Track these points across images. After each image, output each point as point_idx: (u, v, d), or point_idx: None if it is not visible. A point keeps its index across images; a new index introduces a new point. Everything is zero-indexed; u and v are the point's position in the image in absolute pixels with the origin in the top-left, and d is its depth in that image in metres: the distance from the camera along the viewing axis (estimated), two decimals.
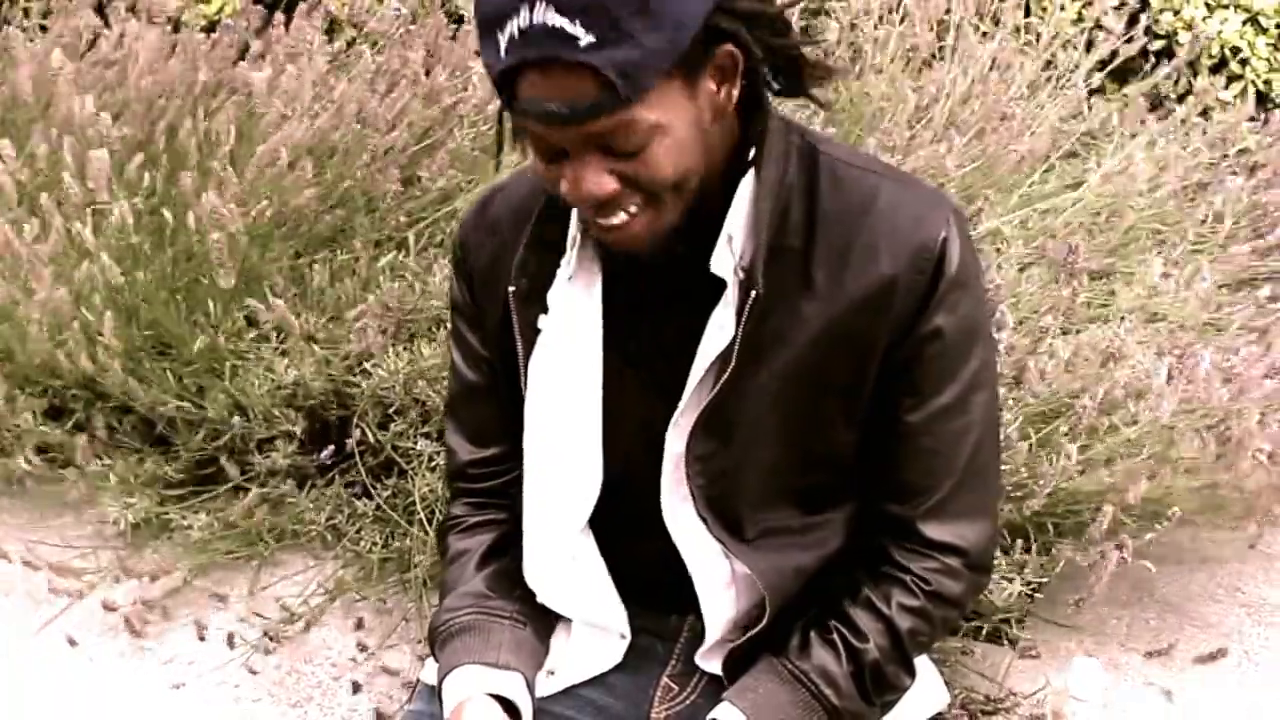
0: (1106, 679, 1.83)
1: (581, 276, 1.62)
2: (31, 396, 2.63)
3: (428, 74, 2.97)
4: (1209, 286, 2.83)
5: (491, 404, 1.74)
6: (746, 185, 1.54)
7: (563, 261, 1.61)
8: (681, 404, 1.59)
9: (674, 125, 1.44)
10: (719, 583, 1.69)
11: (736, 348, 1.54)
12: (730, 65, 1.45)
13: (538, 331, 1.64)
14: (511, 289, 1.64)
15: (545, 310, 1.63)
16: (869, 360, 1.57)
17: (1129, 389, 2.37)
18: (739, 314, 1.54)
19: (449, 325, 1.82)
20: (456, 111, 2.93)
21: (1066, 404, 2.40)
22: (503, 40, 1.38)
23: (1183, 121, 3.39)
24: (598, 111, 1.39)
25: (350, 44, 3.14)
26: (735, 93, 1.48)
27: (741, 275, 1.54)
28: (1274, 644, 2.41)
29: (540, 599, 1.75)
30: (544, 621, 1.78)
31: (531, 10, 1.35)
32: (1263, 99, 3.73)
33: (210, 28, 3.23)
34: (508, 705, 1.66)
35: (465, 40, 3.15)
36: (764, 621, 1.65)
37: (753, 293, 1.53)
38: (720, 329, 1.56)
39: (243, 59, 2.96)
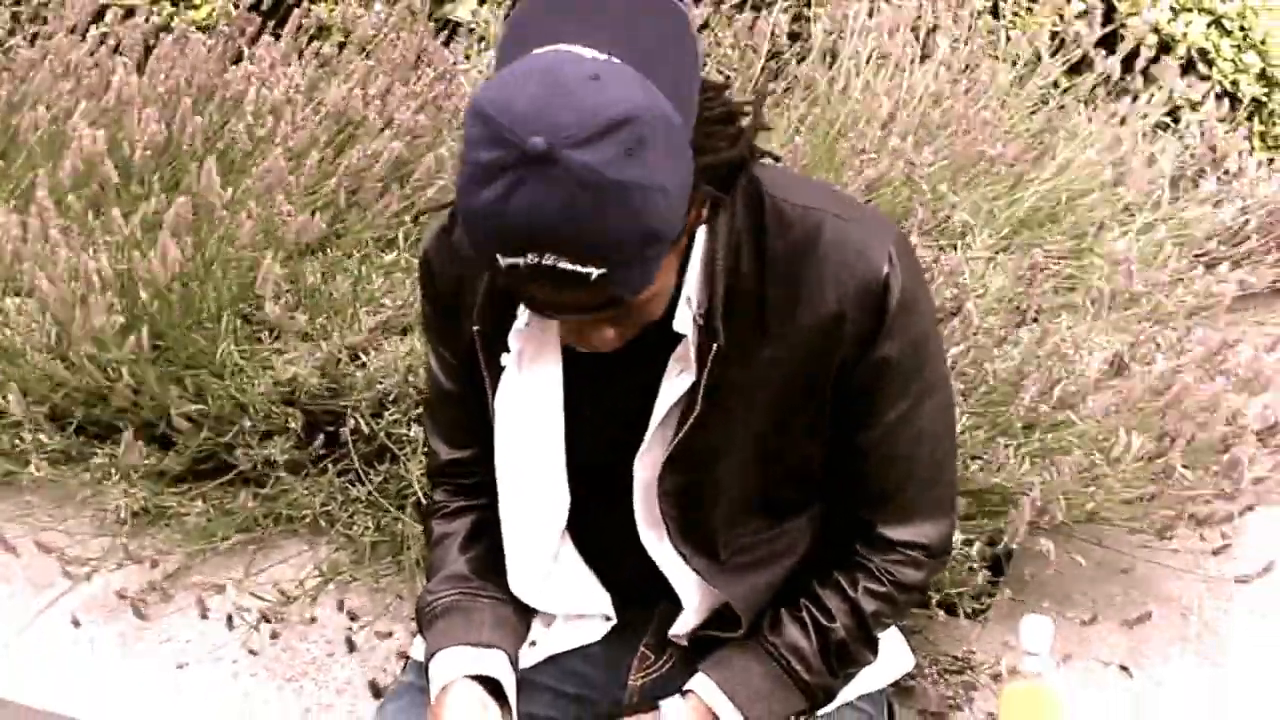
0: (1054, 633, 1.92)
1: (539, 323, 1.67)
2: (35, 404, 2.71)
3: (416, 76, 3.07)
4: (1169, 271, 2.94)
5: (466, 410, 1.80)
6: (699, 244, 1.61)
7: (520, 312, 1.67)
8: (645, 443, 1.69)
9: (667, 279, 1.51)
10: (694, 589, 1.79)
11: (700, 392, 1.63)
12: (701, 200, 1.51)
13: (502, 368, 1.71)
14: (476, 327, 1.70)
15: (507, 349, 1.70)
16: (824, 385, 1.66)
17: (1070, 388, 2.44)
18: (699, 361, 1.63)
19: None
20: (444, 112, 3.03)
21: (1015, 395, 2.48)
22: (504, 262, 1.39)
23: (1145, 118, 3.49)
24: (604, 310, 1.45)
25: (341, 47, 3.23)
26: (704, 211, 1.55)
27: (700, 323, 1.62)
28: (1234, 617, 2.50)
29: (528, 603, 1.84)
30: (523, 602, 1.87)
31: (540, 257, 1.36)
32: (1228, 98, 3.83)
33: (205, 28, 3.32)
34: (492, 682, 1.75)
35: (453, 45, 3.26)
36: (740, 631, 1.76)
37: (714, 344, 1.61)
38: (680, 374, 1.65)
39: (235, 64, 3.06)
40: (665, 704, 1.74)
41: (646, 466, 1.70)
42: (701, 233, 1.60)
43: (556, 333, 1.68)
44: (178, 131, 2.87)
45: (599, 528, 1.78)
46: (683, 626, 1.82)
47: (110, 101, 2.98)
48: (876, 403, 1.67)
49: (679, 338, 1.62)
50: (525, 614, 1.86)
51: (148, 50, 3.17)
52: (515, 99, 1.34)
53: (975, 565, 2.37)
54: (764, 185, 1.64)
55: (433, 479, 1.92)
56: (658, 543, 1.75)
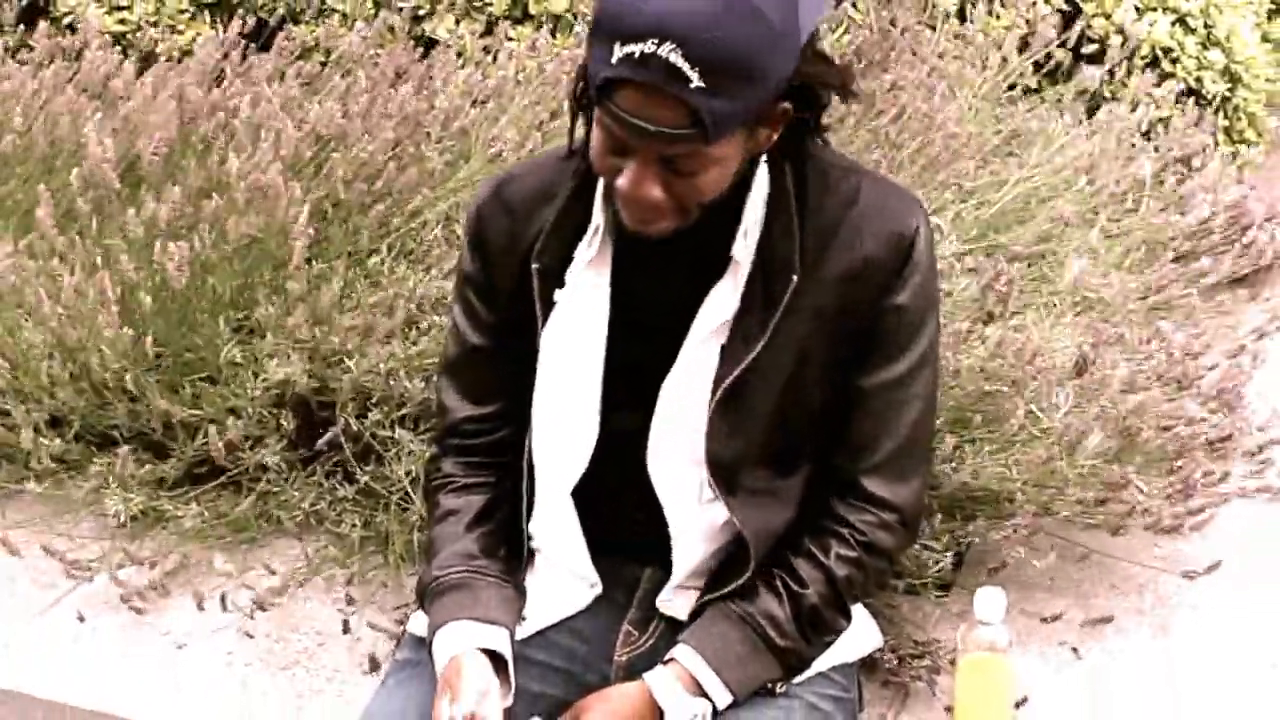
0: (1008, 606, 2.01)
1: (599, 258, 1.81)
2: (33, 411, 2.81)
3: (394, 93, 3.17)
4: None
5: (492, 366, 1.92)
6: (760, 185, 1.74)
7: (582, 244, 1.80)
8: (676, 366, 1.80)
9: (729, 160, 1.65)
10: (694, 534, 1.87)
11: (746, 326, 1.76)
12: (782, 116, 1.66)
13: (553, 305, 1.82)
14: (535, 266, 1.82)
15: (562, 285, 1.82)
16: (839, 332, 1.78)
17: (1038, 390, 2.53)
18: (746, 293, 1.76)
19: (453, 294, 1.99)
20: (424, 128, 3.12)
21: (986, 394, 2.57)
22: (618, 52, 1.53)
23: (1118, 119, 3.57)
24: (681, 139, 1.58)
25: (323, 66, 3.32)
26: (777, 135, 1.69)
27: (753, 258, 1.75)
28: (1193, 600, 2.59)
29: (535, 542, 1.95)
30: (522, 582, 1.96)
31: (660, 44, 1.51)
32: (1193, 94, 3.92)
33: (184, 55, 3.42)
34: (494, 657, 1.83)
35: (432, 62, 3.36)
36: (747, 574, 1.84)
37: (750, 275, 1.75)
38: (720, 304, 1.76)
39: (218, 84, 3.16)
40: (649, 675, 1.82)
41: (673, 392, 1.81)
42: (762, 180, 1.74)
43: (609, 264, 1.80)
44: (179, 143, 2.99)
45: (609, 469, 1.86)
46: (677, 577, 1.90)
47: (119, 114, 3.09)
48: (882, 351, 1.80)
49: (719, 272, 1.75)
50: (523, 594, 1.95)
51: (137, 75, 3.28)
52: None
53: (938, 553, 2.46)
54: (813, 150, 1.78)
55: (443, 444, 1.99)
56: (667, 477, 1.84)
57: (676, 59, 1.51)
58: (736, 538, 1.85)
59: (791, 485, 1.88)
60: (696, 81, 1.52)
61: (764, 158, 1.74)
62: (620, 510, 1.89)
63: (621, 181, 1.65)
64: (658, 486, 1.85)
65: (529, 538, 1.95)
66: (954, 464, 2.46)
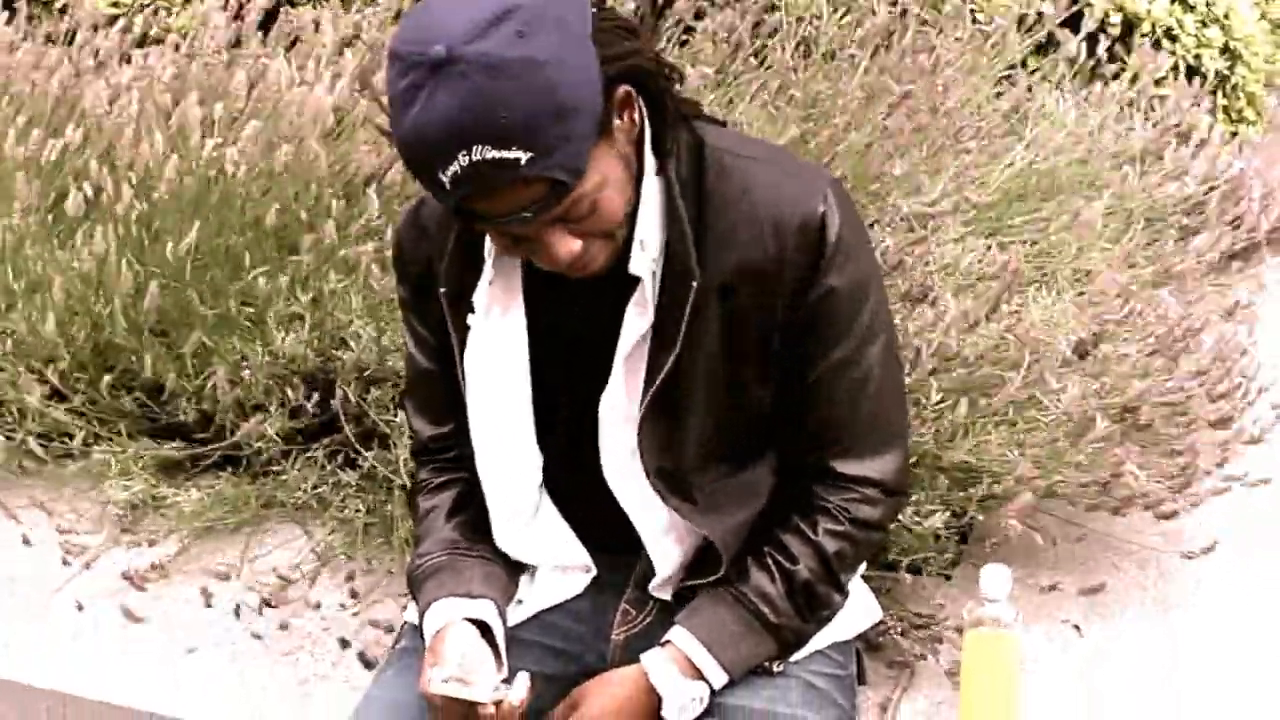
0: (1014, 586, 2.01)
1: (502, 280, 1.78)
2: (35, 380, 2.81)
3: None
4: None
5: (445, 387, 1.90)
6: (650, 188, 1.71)
7: (484, 271, 1.78)
8: (608, 387, 1.78)
9: (609, 174, 1.61)
10: (663, 536, 1.87)
11: (663, 335, 1.73)
12: (625, 98, 1.63)
13: (469, 329, 1.81)
14: (442, 290, 1.81)
15: (472, 310, 1.80)
16: (770, 327, 1.75)
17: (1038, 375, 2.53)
18: (658, 304, 1.72)
19: (401, 315, 1.98)
20: None
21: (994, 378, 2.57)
22: (445, 178, 1.53)
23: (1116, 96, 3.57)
24: (551, 205, 1.56)
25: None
26: (638, 116, 1.66)
27: (655, 269, 1.72)
28: (1197, 574, 2.60)
29: (512, 556, 1.93)
30: (510, 562, 1.95)
31: (469, 153, 1.50)
32: (1192, 72, 3.91)
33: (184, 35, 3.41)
34: (483, 629, 1.82)
35: None
36: (720, 572, 1.84)
37: (661, 282, 1.71)
38: (638, 317, 1.73)
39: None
40: (645, 656, 1.81)
41: (612, 411, 1.79)
42: (651, 182, 1.70)
43: (519, 286, 1.78)
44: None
45: (572, 482, 1.86)
46: (660, 575, 1.90)
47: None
48: (821, 343, 1.76)
49: (632, 286, 1.72)
50: (512, 573, 1.94)
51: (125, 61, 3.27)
52: (413, 27, 1.51)
53: (942, 533, 2.46)
54: (708, 138, 1.74)
55: (417, 458, 2.01)
56: (626, 489, 1.83)
57: (491, 154, 1.50)
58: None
59: (754, 476, 1.86)
60: (524, 157, 1.51)
61: (652, 168, 1.70)
62: (595, 514, 1.88)
63: (545, 260, 1.65)
64: (621, 499, 1.85)
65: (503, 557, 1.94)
66: (955, 441, 2.46)
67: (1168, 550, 2.62)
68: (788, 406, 1.81)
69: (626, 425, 1.78)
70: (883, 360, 1.81)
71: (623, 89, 1.61)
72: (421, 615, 1.87)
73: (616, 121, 1.62)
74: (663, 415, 1.76)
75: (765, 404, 1.81)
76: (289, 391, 2.74)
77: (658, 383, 1.74)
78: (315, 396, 2.75)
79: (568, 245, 1.63)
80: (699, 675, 1.80)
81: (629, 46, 1.62)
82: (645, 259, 1.71)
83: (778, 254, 1.71)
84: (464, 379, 1.83)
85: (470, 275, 1.79)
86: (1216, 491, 2.60)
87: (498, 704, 1.71)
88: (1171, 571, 2.59)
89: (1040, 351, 2.52)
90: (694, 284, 1.70)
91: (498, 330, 1.80)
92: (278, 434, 2.73)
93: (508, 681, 1.75)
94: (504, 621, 1.87)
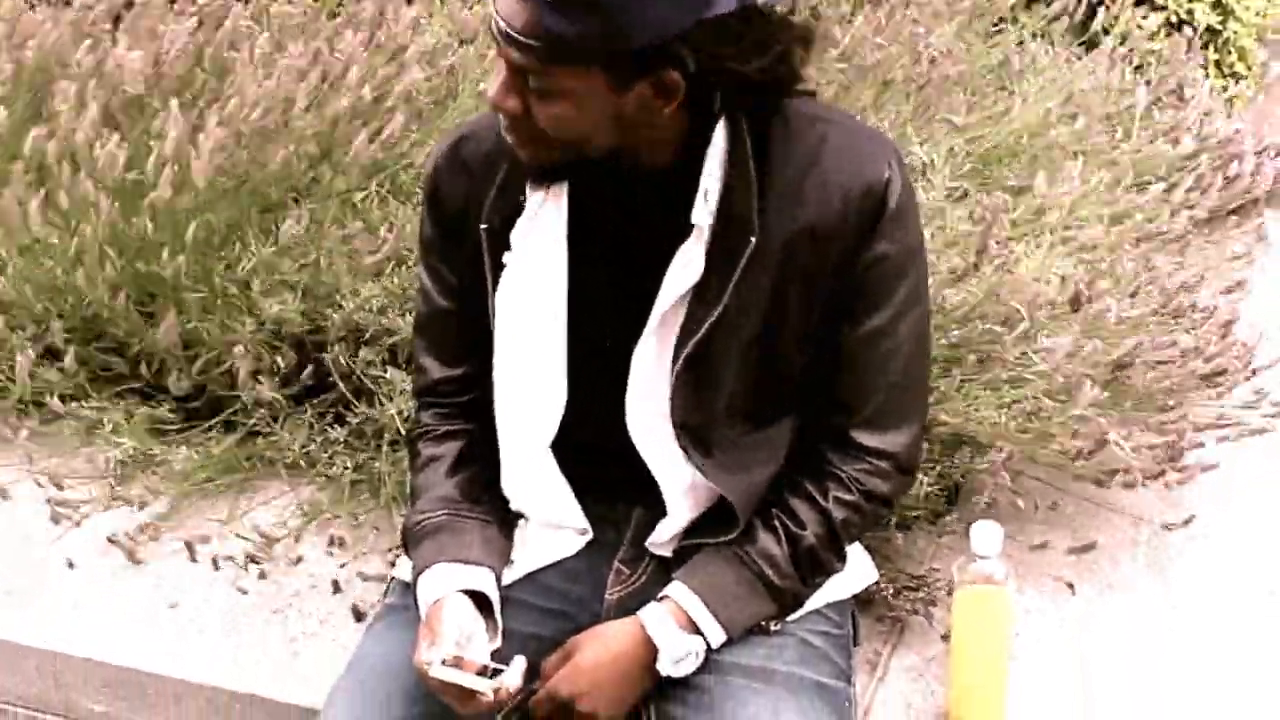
0: (1005, 540, 2.01)
1: (546, 216, 1.78)
2: (26, 340, 2.80)
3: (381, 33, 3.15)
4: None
5: (461, 328, 1.90)
6: (718, 145, 1.70)
7: (528, 206, 1.78)
8: (645, 332, 1.77)
9: (584, 100, 1.61)
10: (679, 489, 1.87)
11: (706, 290, 1.72)
12: (672, 86, 1.62)
13: (503, 267, 1.80)
14: (484, 226, 1.80)
15: (509, 248, 1.79)
16: (815, 289, 1.75)
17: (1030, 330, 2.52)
18: (708, 258, 1.72)
19: (418, 254, 1.97)
20: (406, 70, 3.09)
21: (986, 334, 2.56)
22: None
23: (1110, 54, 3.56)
24: (526, 49, 1.58)
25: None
26: (672, 107, 1.64)
27: (712, 220, 1.71)
28: (1191, 530, 2.59)
29: (514, 504, 1.93)
30: (508, 523, 1.95)
31: None
32: (1183, 24, 3.89)
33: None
34: (479, 598, 1.83)
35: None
36: (734, 533, 1.84)
37: (712, 237, 1.71)
38: (686, 266, 1.72)
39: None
40: (643, 611, 1.82)
41: (643, 362, 1.78)
42: (719, 137, 1.70)
43: (564, 229, 1.78)
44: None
45: (588, 426, 1.84)
46: (666, 532, 1.89)
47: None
48: (861, 308, 1.76)
49: (683, 235, 1.72)
50: (509, 536, 1.94)
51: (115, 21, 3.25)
52: None
53: (931, 490, 2.46)
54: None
55: (421, 400, 1.99)
56: (648, 440, 1.83)
57: None
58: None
59: (773, 436, 1.86)
60: None
61: (722, 117, 1.70)
62: (601, 461, 1.88)
63: (488, 89, 1.67)
64: (643, 451, 1.84)
65: (506, 501, 1.94)
66: (943, 403, 2.45)
67: (1158, 514, 2.62)
68: (816, 370, 1.81)
69: (658, 377, 1.78)
70: (915, 335, 1.82)
71: (673, 75, 1.61)
72: (416, 576, 1.87)
73: (644, 89, 1.62)
74: (695, 370, 1.76)
75: (797, 367, 1.81)
76: (279, 359, 2.73)
77: (698, 336, 1.73)
78: (308, 367, 2.74)
79: (506, 95, 1.65)
80: (696, 631, 1.80)
81: (725, 53, 1.60)
82: (705, 211, 1.71)
83: (840, 217, 1.71)
84: (494, 316, 1.82)
85: (512, 214, 1.78)
86: (1208, 464, 2.59)
87: (495, 690, 1.71)
88: (1169, 522, 2.59)
89: (1033, 301, 2.50)
90: (752, 240, 1.70)
91: (536, 270, 1.79)
92: (272, 401, 2.73)
93: (501, 657, 1.75)
94: (500, 585, 1.87)
